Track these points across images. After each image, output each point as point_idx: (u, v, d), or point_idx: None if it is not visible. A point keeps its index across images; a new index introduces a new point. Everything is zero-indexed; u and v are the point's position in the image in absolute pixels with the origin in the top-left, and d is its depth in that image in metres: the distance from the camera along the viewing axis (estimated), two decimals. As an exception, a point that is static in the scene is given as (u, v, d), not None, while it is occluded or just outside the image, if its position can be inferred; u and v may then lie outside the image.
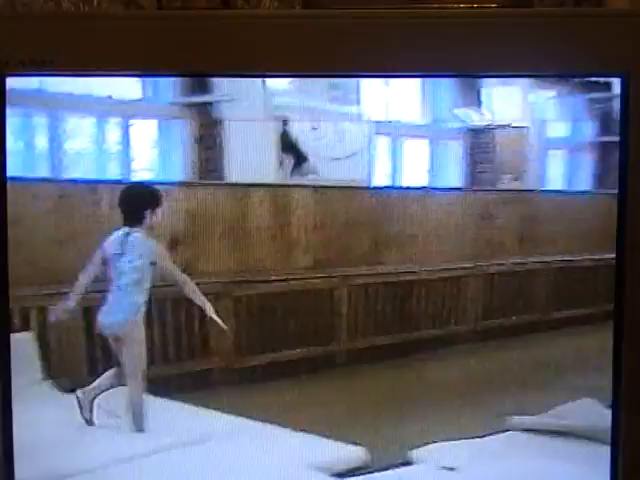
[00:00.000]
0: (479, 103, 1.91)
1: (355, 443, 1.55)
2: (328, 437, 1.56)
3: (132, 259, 1.61)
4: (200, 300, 1.61)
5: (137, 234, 1.61)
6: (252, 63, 1.17)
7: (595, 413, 1.54)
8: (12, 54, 1.17)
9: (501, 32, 1.11)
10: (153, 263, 1.61)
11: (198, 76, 1.32)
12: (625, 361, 1.07)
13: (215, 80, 1.85)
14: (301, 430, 1.56)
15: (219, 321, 1.63)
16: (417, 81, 1.97)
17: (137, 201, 1.57)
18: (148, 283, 1.60)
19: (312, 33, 1.13)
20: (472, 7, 1.24)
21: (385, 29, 1.12)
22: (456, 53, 1.12)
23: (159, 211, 1.59)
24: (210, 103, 1.91)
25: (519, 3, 1.25)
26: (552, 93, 1.93)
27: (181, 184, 1.74)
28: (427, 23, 1.12)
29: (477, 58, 1.12)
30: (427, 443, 1.51)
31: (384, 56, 1.13)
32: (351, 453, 1.56)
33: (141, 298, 1.58)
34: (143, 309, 1.57)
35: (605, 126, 2.08)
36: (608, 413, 1.58)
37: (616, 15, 1.12)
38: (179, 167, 1.88)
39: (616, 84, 1.98)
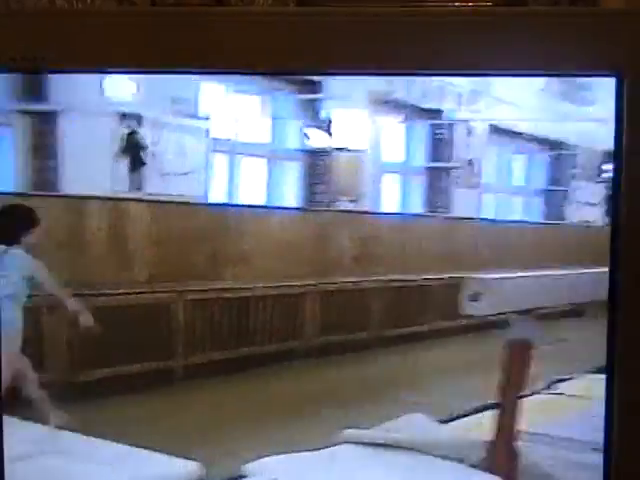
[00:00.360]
0: (319, 125, 1.95)
1: (190, 458, 1.54)
2: (162, 452, 1.54)
3: (8, 274, 1.58)
4: (75, 304, 1.61)
5: (15, 251, 1.59)
6: (245, 61, 1.11)
7: (424, 427, 1.60)
8: (3, 50, 1.12)
9: (494, 31, 1.09)
10: (30, 278, 1.59)
11: (192, 73, 1.27)
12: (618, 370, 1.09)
13: (52, 87, 1.80)
14: (136, 445, 1.54)
15: (88, 319, 1.62)
16: (258, 99, 2.00)
17: (12, 220, 1.55)
18: (24, 298, 1.58)
19: (306, 31, 1.11)
20: (466, 5, 1.20)
21: (378, 27, 1.10)
22: (449, 51, 1.09)
23: (37, 229, 1.58)
24: (46, 111, 1.87)
25: (513, 2, 1.23)
26: (390, 119, 1.99)
27: (14, 195, 1.69)
28: (420, 21, 1.11)
29: (471, 57, 1.09)
30: (262, 456, 1.52)
31: (378, 54, 1.10)
32: (185, 468, 1.55)
33: (15, 312, 1.54)
34: (18, 324, 1.54)
35: (437, 152, 2.16)
36: (437, 427, 1.65)
37: (610, 14, 1.09)
38: (11, 177, 1.82)
39: (446, 113, 2.07)
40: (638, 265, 1.07)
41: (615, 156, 1.04)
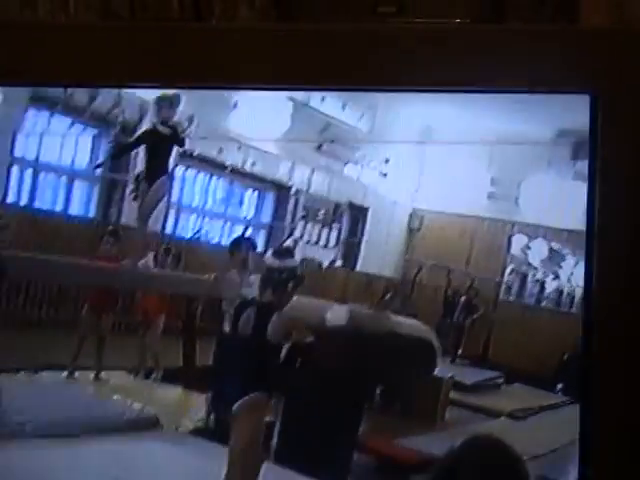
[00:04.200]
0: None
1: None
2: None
3: None
4: None
5: None
6: (222, 75, 1.09)
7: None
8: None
9: (469, 48, 1.07)
10: None
11: (170, 88, 1.21)
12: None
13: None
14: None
15: None
16: None
17: None
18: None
19: (283, 46, 1.08)
20: (440, 22, 1.19)
21: (354, 43, 1.09)
22: (422, 69, 1.07)
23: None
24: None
25: (490, 17, 1.22)
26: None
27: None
28: (391, 38, 1.09)
29: (444, 74, 1.08)
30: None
31: (352, 70, 1.10)
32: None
33: None
34: None
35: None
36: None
37: (586, 32, 1.09)
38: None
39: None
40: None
41: (590, 171, 1.08)
